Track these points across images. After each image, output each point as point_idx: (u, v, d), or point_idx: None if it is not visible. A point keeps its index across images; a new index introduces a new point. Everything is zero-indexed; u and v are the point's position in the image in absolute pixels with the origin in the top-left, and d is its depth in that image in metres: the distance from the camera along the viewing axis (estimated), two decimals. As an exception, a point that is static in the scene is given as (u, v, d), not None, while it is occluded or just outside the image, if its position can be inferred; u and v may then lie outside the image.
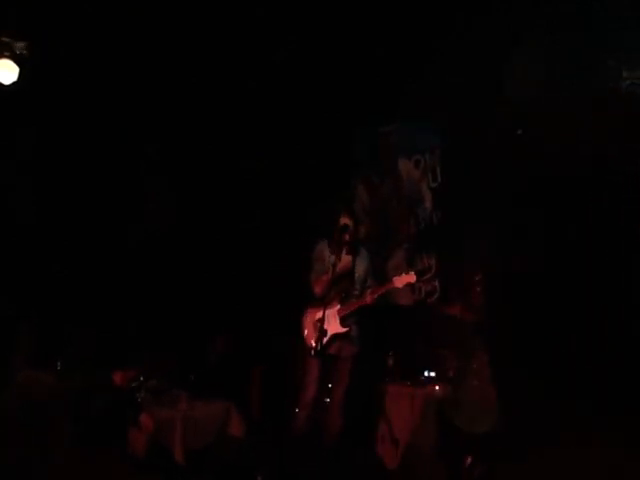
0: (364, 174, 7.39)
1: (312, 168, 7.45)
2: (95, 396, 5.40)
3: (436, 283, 6.85)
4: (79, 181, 7.13)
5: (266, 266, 7.24)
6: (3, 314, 6.07)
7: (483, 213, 6.37)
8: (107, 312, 6.71)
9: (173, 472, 5.32)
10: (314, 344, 5.58)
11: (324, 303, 5.52)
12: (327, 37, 7.26)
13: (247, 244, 7.57)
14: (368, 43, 7.09)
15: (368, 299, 5.65)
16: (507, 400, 5.54)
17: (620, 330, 5.68)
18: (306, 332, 5.81)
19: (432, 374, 6.19)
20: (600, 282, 5.81)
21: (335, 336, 5.65)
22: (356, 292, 5.79)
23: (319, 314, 5.61)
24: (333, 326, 5.65)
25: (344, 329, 5.67)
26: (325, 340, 5.50)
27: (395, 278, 5.63)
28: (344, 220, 5.77)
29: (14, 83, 5.91)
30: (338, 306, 5.66)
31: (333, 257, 5.65)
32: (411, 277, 5.60)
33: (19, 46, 5.47)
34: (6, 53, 5.72)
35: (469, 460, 5.42)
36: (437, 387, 5.95)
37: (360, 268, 5.88)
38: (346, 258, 5.78)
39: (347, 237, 5.75)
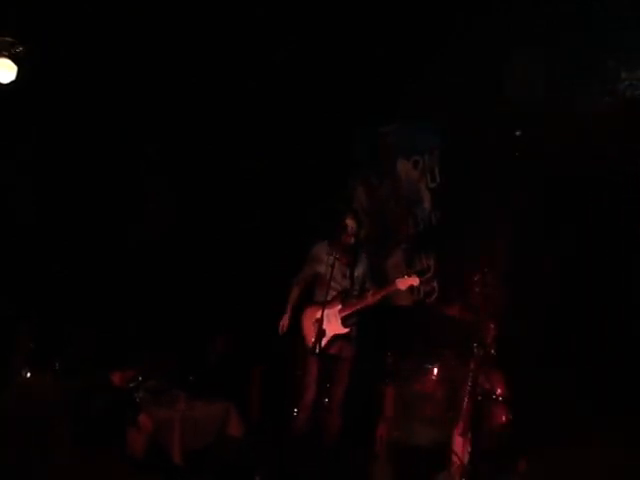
0: (363, 175, 7.39)
1: (311, 168, 7.45)
2: (95, 396, 5.41)
3: (435, 283, 6.84)
4: (79, 181, 7.13)
5: (265, 266, 7.24)
6: (3, 314, 6.08)
7: (482, 213, 6.38)
8: (106, 312, 6.71)
9: (172, 472, 5.33)
10: (313, 343, 5.61)
11: (324, 303, 5.55)
12: (327, 37, 7.27)
13: (246, 244, 7.57)
14: (367, 43, 7.09)
15: (370, 300, 5.67)
16: (510, 400, 5.58)
17: (620, 330, 5.68)
18: (305, 332, 5.83)
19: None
20: (600, 282, 5.80)
21: (336, 336, 5.66)
22: (355, 293, 5.80)
23: (319, 313, 5.63)
24: (334, 326, 5.66)
25: (345, 329, 5.69)
26: (326, 340, 5.52)
27: (398, 280, 5.66)
28: (349, 222, 5.80)
29: (13, 82, 5.91)
30: (339, 306, 5.67)
31: (332, 258, 5.67)
32: (414, 280, 5.63)
33: (17, 45, 5.46)
34: (4, 52, 5.71)
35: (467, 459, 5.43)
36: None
37: (359, 269, 5.90)
38: (346, 259, 5.81)
39: (352, 239, 5.78)
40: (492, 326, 5.63)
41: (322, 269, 5.87)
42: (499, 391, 5.52)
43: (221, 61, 7.51)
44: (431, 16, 6.85)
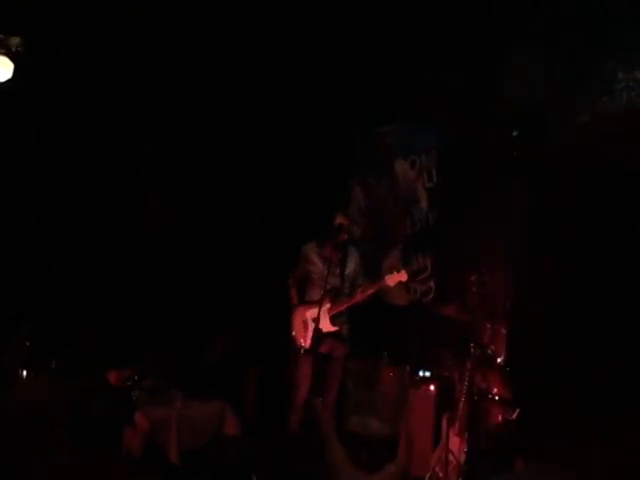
0: (361, 175, 7.39)
1: (310, 169, 7.45)
2: (92, 395, 5.42)
3: (432, 283, 6.84)
4: (79, 181, 7.14)
5: (263, 267, 7.24)
6: (2, 314, 6.09)
7: (480, 213, 6.38)
8: (104, 312, 6.72)
9: (169, 472, 5.34)
10: (303, 342, 5.63)
11: (315, 302, 5.56)
12: (326, 37, 7.28)
13: (244, 245, 7.58)
14: (366, 43, 7.10)
15: (359, 297, 5.69)
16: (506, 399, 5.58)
17: (620, 329, 5.67)
18: (295, 330, 5.85)
19: (427, 374, 6.20)
20: (600, 282, 5.80)
21: (325, 335, 5.67)
22: (346, 290, 5.82)
23: (309, 312, 5.66)
24: (323, 324, 5.67)
25: (334, 328, 5.70)
26: (315, 338, 5.54)
27: (387, 277, 5.67)
28: (340, 219, 5.81)
29: (10, 81, 5.92)
30: (328, 305, 5.68)
31: (323, 257, 5.69)
32: (402, 276, 5.63)
33: (14, 42, 5.47)
34: (1, 50, 5.72)
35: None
36: (432, 387, 5.96)
37: (350, 267, 5.91)
38: (337, 256, 5.82)
39: (344, 236, 5.79)
40: (489, 326, 5.65)
41: (312, 268, 5.90)
42: (495, 391, 5.53)
43: (221, 61, 7.52)
44: (430, 16, 6.86)
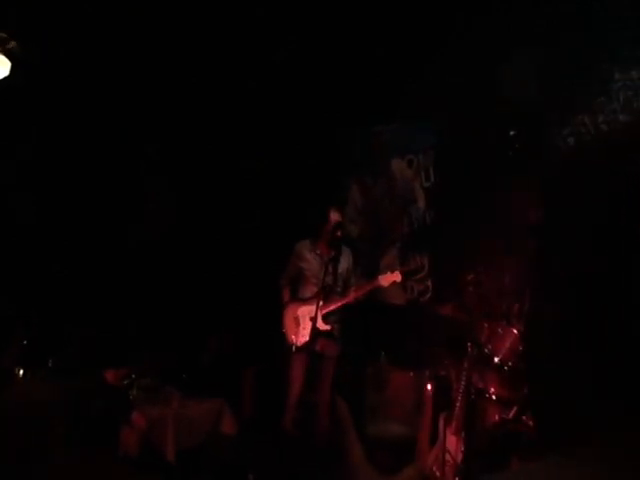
0: (358, 174, 7.39)
1: (308, 169, 7.46)
2: (91, 395, 5.43)
3: (429, 282, 6.84)
4: (78, 181, 7.15)
5: (260, 266, 7.25)
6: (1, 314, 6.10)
7: (478, 213, 6.38)
8: (102, 311, 6.73)
9: (165, 470, 5.34)
10: (295, 340, 5.64)
11: (307, 299, 5.58)
12: (325, 38, 7.29)
13: (241, 245, 7.58)
14: (363, 43, 7.10)
15: (352, 296, 5.70)
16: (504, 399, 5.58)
17: (622, 330, 5.65)
18: (286, 329, 5.85)
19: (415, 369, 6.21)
20: (601, 284, 5.78)
21: (318, 333, 5.68)
22: (338, 289, 5.82)
23: (300, 310, 5.67)
24: (317, 323, 5.68)
25: (326, 327, 5.70)
26: (307, 337, 5.54)
27: (380, 277, 5.68)
28: (335, 217, 5.81)
29: (8, 80, 5.91)
30: (321, 303, 5.69)
31: (316, 254, 5.69)
32: (396, 276, 5.64)
33: (11, 40, 5.47)
34: (-3, 48, 5.72)
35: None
36: (429, 386, 5.96)
37: (343, 265, 5.91)
38: (330, 254, 5.82)
39: (339, 234, 5.79)
40: (486, 325, 5.64)
41: (304, 265, 5.91)
42: (492, 390, 5.52)
43: (220, 61, 7.53)
44: (429, 15, 6.86)
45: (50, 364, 5.48)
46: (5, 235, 6.64)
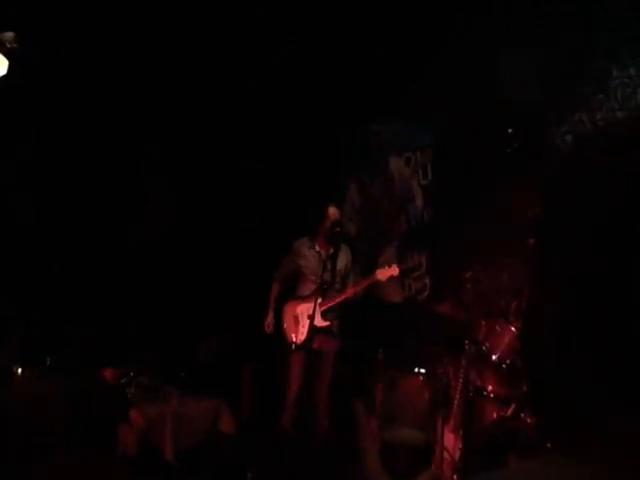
0: (356, 173, 7.39)
1: (306, 168, 7.45)
2: (89, 394, 5.42)
3: (426, 280, 6.85)
4: (78, 181, 7.14)
5: (258, 266, 7.25)
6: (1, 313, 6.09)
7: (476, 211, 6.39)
8: (101, 310, 6.72)
9: (164, 469, 5.34)
10: (294, 338, 5.65)
11: (306, 297, 5.58)
12: (324, 37, 7.29)
13: (239, 245, 7.58)
14: (363, 43, 7.11)
15: (350, 292, 5.70)
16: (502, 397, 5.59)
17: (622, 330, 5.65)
18: (285, 327, 5.86)
19: (422, 371, 6.21)
20: (602, 282, 5.78)
21: (316, 330, 5.68)
22: (337, 286, 5.82)
23: (299, 308, 5.67)
24: (315, 319, 5.68)
25: (325, 323, 5.71)
26: (306, 334, 5.55)
27: (378, 271, 5.69)
28: (333, 213, 5.82)
29: (6, 79, 5.89)
30: (319, 300, 5.69)
31: (315, 252, 5.70)
32: (393, 270, 5.65)
33: (8, 38, 5.44)
34: (-6, 46, 5.69)
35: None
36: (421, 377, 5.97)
37: (341, 262, 5.92)
38: (328, 250, 5.83)
39: (337, 230, 5.80)
40: (484, 323, 5.64)
41: (303, 262, 5.91)
42: (490, 388, 5.53)
43: (220, 61, 7.53)
44: (429, 15, 6.87)
45: (48, 363, 5.47)
46: (5, 234, 6.63)
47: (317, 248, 5.77)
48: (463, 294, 5.75)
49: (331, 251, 5.87)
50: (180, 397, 5.72)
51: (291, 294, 6.04)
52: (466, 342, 5.47)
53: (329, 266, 5.84)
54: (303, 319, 5.73)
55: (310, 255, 5.84)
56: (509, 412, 5.26)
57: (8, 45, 5.22)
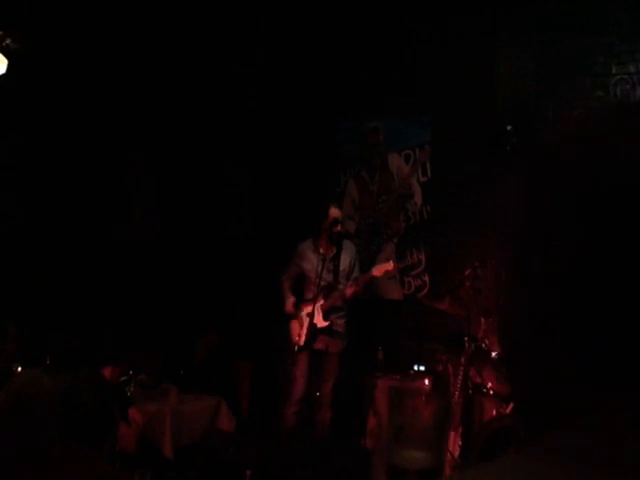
0: (354, 170, 7.38)
1: (304, 166, 7.43)
2: (88, 392, 5.38)
3: (426, 278, 6.85)
4: (66, 183, 7.07)
5: (256, 264, 7.24)
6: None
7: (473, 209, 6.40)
8: (99, 309, 6.71)
9: (162, 466, 5.33)
10: (298, 340, 5.65)
11: (311, 299, 5.59)
12: (322, 33, 7.28)
13: (239, 242, 7.57)
14: (358, 39, 7.10)
15: (348, 292, 5.71)
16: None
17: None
18: (291, 328, 5.86)
19: (421, 368, 6.22)
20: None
21: (318, 330, 5.69)
22: (341, 286, 5.82)
23: (305, 310, 5.68)
24: (317, 320, 5.70)
25: (325, 323, 5.71)
26: (308, 334, 5.56)
27: (374, 268, 5.69)
28: (333, 212, 5.81)
29: (3, 78, 5.87)
30: (322, 301, 5.70)
31: (318, 254, 5.69)
32: (389, 265, 5.65)
33: (6, 38, 5.43)
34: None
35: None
36: (426, 381, 5.97)
37: (345, 262, 5.91)
38: (331, 251, 5.82)
39: (337, 229, 5.79)
40: (483, 320, 5.65)
41: (307, 266, 5.89)
42: (490, 385, 5.54)
43: (212, 60, 7.51)
44: (426, 12, 6.86)
45: (47, 362, 5.46)
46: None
47: (320, 250, 5.74)
48: (462, 291, 5.77)
49: (334, 252, 5.86)
50: (179, 394, 5.70)
51: (297, 297, 6.01)
52: (465, 339, 5.48)
53: (331, 267, 5.83)
54: (306, 321, 5.73)
55: (314, 258, 5.81)
56: (508, 409, 5.27)
57: (6, 44, 5.20)
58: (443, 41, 6.81)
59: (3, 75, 5.65)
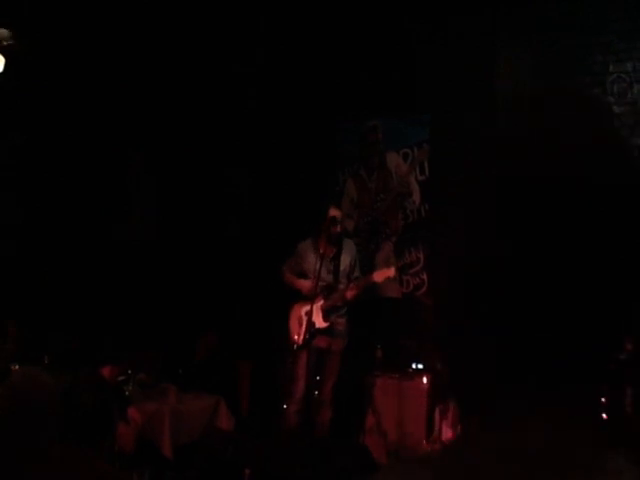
0: (353, 168, 7.37)
1: (302, 165, 7.43)
2: (87, 391, 5.38)
3: (424, 276, 6.85)
4: (65, 183, 7.08)
5: (255, 264, 7.24)
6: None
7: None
8: (98, 308, 6.72)
9: (161, 466, 5.32)
10: (297, 339, 5.66)
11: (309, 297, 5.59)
12: (321, 32, 7.29)
13: (237, 240, 7.57)
14: (359, 38, 7.11)
15: (348, 295, 5.71)
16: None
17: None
18: (291, 327, 5.86)
19: (420, 366, 6.23)
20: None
21: (317, 330, 5.69)
22: (341, 286, 5.81)
23: (303, 309, 5.68)
24: (317, 320, 5.70)
25: (325, 324, 5.71)
26: (308, 334, 5.56)
27: (375, 273, 5.70)
28: (333, 212, 5.80)
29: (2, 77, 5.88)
30: (322, 301, 5.70)
31: (318, 254, 5.68)
32: (390, 271, 5.65)
33: (5, 36, 5.44)
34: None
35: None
36: (424, 379, 5.98)
37: (345, 261, 5.91)
38: (331, 251, 5.82)
39: (337, 229, 5.79)
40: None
41: (307, 266, 5.88)
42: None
43: (211, 60, 7.52)
44: (425, 12, 6.87)
45: (46, 360, 5.45)
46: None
47: (321, 250, 5.73)
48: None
49: (333, 252, 5.86)
50: (178, 394, 5.68)
51: (297, 296, 5.99)
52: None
53: (331, 267, 5.82)
54: (305, 319, 5.72)
55: (313, 258, 5.79)
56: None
57: (4, 42, 5.21)
58: (443, 41, 6.81)
59: (1, 74, 5.67)
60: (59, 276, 6.78)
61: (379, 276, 5.67)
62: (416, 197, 6.92)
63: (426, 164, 6.89)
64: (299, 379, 5.78)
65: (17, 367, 5.10)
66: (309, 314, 5.59)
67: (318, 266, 5.59)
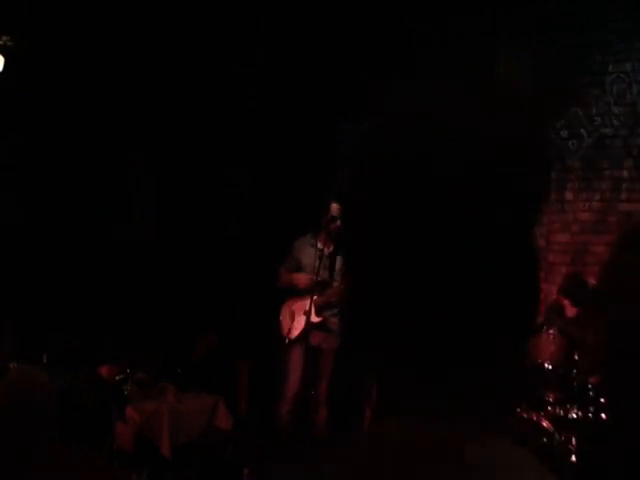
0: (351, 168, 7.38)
1: (301, 164, 7.44)
2: (86, 391, 5.37)
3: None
4: (65, 183, 7.08)
5: (254, 263, 7.25)
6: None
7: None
8: (97, 307, 6.72)
9: (160, 465, 5.31)
10: (288, 333, 5.66)
11: (304, 294, 5.59)
12: (321, 33, 7.29)
13: (235, 240, 7.58)
14: (358, 39, 7.11)
15: (341, 291, 5.72)
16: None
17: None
18: (282, 322, 5.85)
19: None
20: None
21: (313, 326, 5.69)
22: (336, 283, 5.82)
23: (296, 304, 5.68)
24: (310, 315, 5.69)
25: (318, 319, 5.71)
26: (300, 329, 5.57)
27: None
28: (333, 209, 5.81)
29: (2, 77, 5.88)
30: (316, 296, 5.70)
31: (316, 249, 5.69)
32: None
33: (4, 37, 5.45)
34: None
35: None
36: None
37: (341, 259, 5.91)
38: (330, 247, 5.83)
39: (336, 225, 5.80)
40: None
41: (305, 260, 5.88)
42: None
43: (211, 59, 7.52)
44: (423, 12, 6.87)
45: (44, 360, 5.45)
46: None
47: (319, 245, 5.73)
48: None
49: (331, 249, 5.86)
50: (177, 393, 5.67)
51: (291, 291, 5.99)
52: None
53: (328, 264, 5.82)
54: (299, 315, 5.72)
55: (311, 252, 5.79)
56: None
57: (3, 43, 5.21)
58: (443, 41, 6.80)
59: (1, 74, 5.67)
60: (59, 276, 6.78)
61: None
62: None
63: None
64: (291, 377, 5.75)
65: (15, 365, 5.10)
66: (307, 313, 5.58)
67: (317, 262, 5.59)
